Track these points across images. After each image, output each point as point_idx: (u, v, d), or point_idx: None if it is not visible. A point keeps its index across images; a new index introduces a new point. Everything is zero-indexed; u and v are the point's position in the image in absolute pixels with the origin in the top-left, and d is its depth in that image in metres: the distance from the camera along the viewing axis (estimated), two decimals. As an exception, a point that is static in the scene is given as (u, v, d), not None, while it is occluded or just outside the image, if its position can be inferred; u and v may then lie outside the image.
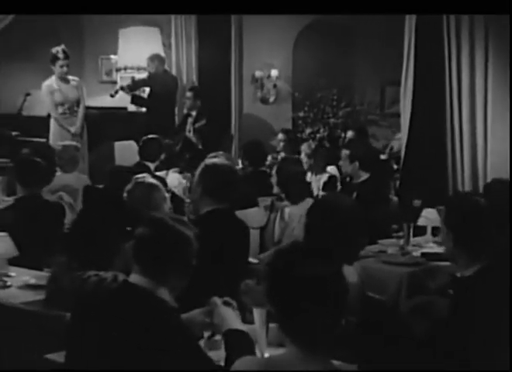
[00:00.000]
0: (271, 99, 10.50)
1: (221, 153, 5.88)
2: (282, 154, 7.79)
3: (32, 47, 10.10)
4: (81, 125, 8.49)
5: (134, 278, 2.60)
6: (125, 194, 4.50)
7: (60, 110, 8.46)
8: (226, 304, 2.74)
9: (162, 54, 10.00)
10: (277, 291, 2.05)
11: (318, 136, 9.85)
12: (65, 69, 8.37)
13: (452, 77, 7.39)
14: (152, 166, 6.78)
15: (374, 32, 9.84)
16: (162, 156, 6.88)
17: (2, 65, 10.09)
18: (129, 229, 3.50)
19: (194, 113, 9.42)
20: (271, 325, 2.74)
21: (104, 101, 10.33)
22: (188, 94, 9.54)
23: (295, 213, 5.35)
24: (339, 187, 7.25)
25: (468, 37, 7.32)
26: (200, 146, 9.04)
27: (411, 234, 5.22)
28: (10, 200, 6.80)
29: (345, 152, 5.99)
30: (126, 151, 10.07)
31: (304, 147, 7.93)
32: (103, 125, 9.10)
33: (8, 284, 4.09)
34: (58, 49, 8.32)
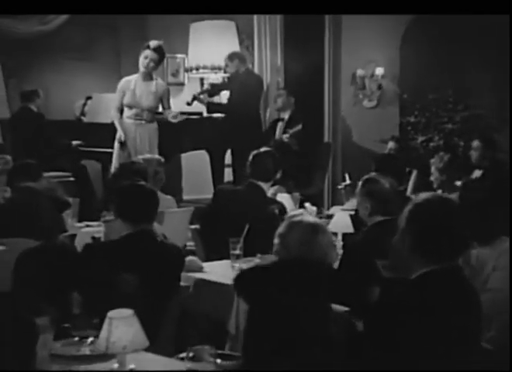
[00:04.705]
0: (375, 102, 9.33)
1: (375, 174, 4.40)
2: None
3: (91, 45, 9.49)
4: (134, 137, 7.36)
5: None
6: (276, 241, 3.20)
7: (127, 113, 7.41)
8: None
9: (242, 52, 9.07)
10: None
11: (432, 144, 8.58)
12: (151, 64, 7.34)
13: None
14: (265, 186, 5.44)
15: (490, 27, 8.70)
16: (278, 175, 5.56)
17: (58, 65, 9.27)
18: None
19: (286, 116, 8.39)
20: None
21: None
22: (281, 91, 8.67)
23: (486, 257, 3.94)
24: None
25: None
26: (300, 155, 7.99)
27: None
28: (83, 226, 5.75)
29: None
30: (195, 163, 9.09)
31: (435, 160, 6.61)
32: (172, 134, 7.81)
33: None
34: (149, 42, 7.43)
